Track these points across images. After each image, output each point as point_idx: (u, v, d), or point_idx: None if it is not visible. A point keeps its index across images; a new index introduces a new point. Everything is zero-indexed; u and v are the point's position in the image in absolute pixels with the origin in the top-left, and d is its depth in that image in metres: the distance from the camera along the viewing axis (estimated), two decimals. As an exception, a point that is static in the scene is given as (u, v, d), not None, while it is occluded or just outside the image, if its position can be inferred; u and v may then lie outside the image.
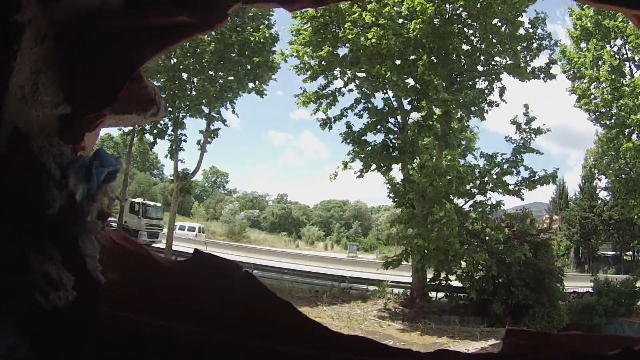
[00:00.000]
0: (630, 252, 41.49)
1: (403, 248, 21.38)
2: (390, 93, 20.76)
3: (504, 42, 19.90)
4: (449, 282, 20.68)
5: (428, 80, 18.57)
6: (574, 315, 20.24)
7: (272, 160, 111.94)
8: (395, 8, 19.14)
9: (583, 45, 22.50)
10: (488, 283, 19.28)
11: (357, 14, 18.56)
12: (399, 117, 21.11)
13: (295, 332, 1.21)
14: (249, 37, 21.76)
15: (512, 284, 18.75)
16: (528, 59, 20.61)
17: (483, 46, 19.99)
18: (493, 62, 20.63)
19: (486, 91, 20.64)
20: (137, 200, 32.23)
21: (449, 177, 19.05)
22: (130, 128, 23.02)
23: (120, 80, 1.27)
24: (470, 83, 20.42)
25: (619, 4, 1.26)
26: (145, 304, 1.24)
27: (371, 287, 22.51)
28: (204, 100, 22.94)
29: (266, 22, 22.17)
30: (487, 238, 20.35)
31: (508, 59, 20.50)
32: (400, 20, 19.42)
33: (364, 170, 20.96)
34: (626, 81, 21.37)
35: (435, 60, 19.21)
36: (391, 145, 20.79)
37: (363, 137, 20.87)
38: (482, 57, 20.36)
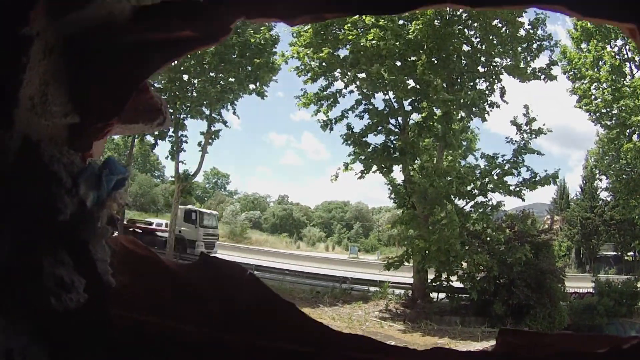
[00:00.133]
0: (632, 253, 41.32)
1: (404, 249, 21.42)
2: (391, 94, 20.77)
3: (504, 43, 19.90)
4: (450, 282, 20.66)
5: (428, 81, 18.60)
6: (575, 316, 20.20)
7: (273, 161, 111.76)
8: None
9: (583, 45, 22.52)
10: (489, 284, 19.28)
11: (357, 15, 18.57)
12: (399, 118, 21.10)
13: (298, 332, 1.25)
14: (250, 38, 21.85)
15: (513, 285, 18.75)
16: (528, 59, 20.65)
17: (483, 47, 20.00)
18: (493, 63, 20.65)
19: (487, 92, 20.66)
20: (193, 207, 30.32)
21: (449, 178, 19.09)
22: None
23: (126, 91, 1.30)
24: (470, 84, 20.43)
25: (611, 17, 1.29)
26: (151, 304, 1.27)
27: (372, 288, 22.50)
28: (204, 102, 23.01)
29: (266, 24, 22.22)
30: (488, 239, 20.36)
31: (508, 59, 20.50)
32: (401, 22, 19.44)
33: (365, 172, 20.97)
34: (627, 82, 21.37)
35: (435, 61, 19.25)
36: (392, 146, 20.77)
37: (364, 139, 20.88)
38: (482, 58, 20.38)
